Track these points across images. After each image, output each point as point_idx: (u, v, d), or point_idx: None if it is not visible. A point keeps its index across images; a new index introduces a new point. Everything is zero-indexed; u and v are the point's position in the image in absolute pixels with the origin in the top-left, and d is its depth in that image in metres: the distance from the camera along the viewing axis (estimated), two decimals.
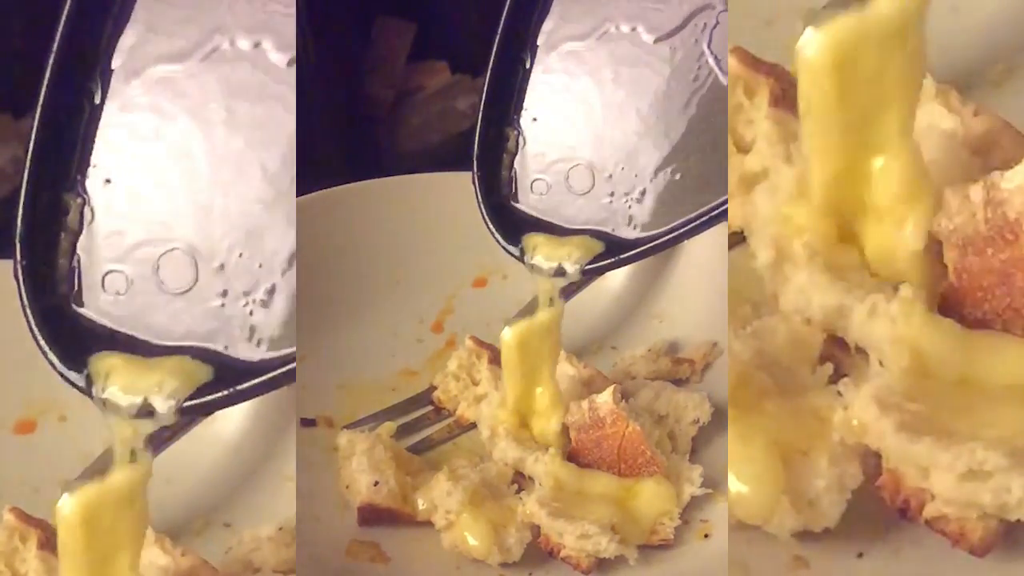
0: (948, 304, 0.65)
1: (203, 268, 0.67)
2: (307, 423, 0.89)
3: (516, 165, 0.86)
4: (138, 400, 0.64)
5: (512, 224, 0.86)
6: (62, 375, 0.64)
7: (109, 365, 0.64)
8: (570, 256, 0.84)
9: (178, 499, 0.82)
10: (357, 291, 0.98)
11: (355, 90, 1.22)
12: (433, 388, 0.92)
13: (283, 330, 0.69)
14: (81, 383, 0.64)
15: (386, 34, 1.23)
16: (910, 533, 0.64)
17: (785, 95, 0.70)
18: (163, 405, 0.64)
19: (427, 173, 1.01)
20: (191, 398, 0.64)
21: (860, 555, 0.65)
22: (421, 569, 0.80)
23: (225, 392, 0.65)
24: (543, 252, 0.84)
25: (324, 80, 1.15)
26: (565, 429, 0.84)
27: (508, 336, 0.84)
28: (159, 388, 0.64)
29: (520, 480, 0.84)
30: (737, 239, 0.72)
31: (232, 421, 0.85)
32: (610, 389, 0.83)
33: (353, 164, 1.19)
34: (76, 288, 0.66)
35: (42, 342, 0.64)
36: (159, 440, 0.76)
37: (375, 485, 0.81)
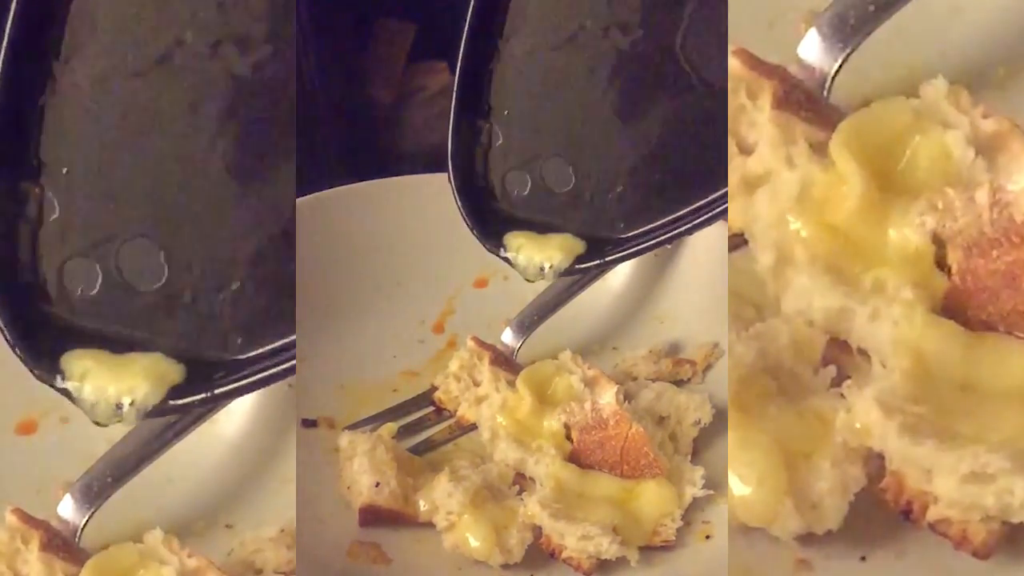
0: (951, 306, 0.65)
1: (170, 264, 0.67)
2: (308, 424, 0.89)
3: (490, 160, 0.85)
4: (111, 406, 0.64)
5: (492, 221, 0.85)
6: (33, 372, 0.64)
7: (83, 367, 0.64)
8: (552, 258, 0.84)
9: (179, 500, 0.82)
10: (358, 292, 0.97)
11: (355, 91, 1.22)
12: (434, 389, 0.92)
13: (255, 328, 0.69)
14: (54, 381, 0.64)
15: (386, 35, 1.23)
16: (913, 536, 0.64)
17: (788, 97, 0.70)
18: (132, 413, 0.64)
19: (428, 174, 1.00)
20: (165, 400, 0.65)
21: (863, 558, 0.65)
22: (423, 570, 0.80)
23: (203, 395, 0.66)
24: (526, 253, 0.84)
25: (324, 81, 1.15)
26: (567, 430, 0.84)
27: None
28: (131, 393, 0.64)
29: (521, 481, 0.84)
30: (738, 241, 0.72)
31: (233, 422, 0.85)
32: (614, 390, 0.83)
33: (354, 165, 1.19)
34: (40, 280, 0.65)
35: (9, 337, 0.64)
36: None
37: (376, 486, 0.81)
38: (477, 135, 0.84)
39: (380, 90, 1.22)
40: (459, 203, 0.84)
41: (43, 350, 0.65)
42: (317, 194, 0.97)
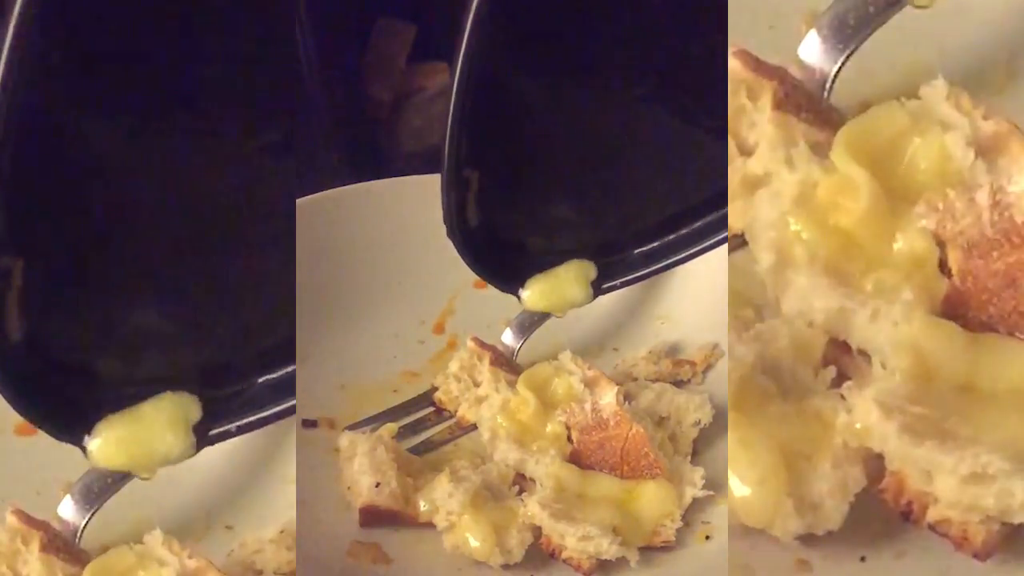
0: (951, 307, 0.65)
1: (175, 307, 0.67)
2: (308, 424, 0.89)
3: (484, 204, 0.82)
4: (153, 469, 0.66)
5: (505, 268, 0.84)
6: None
7: (111, 453, 0.65)
8: (575, 296, 0.84)
9: (180, 501, 0.82)
10: (358, 292, 0.97)
11: (355, 91, 1.22)
12: (434, 389, 0.92)
13: (267, 355, 0.70)
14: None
15: (386, 35, 1.23)
16: (913, 536, 0.64)
17: (788, 98, 0.70)
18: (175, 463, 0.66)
19: (428, 174, 1.00)
20: (201, 436, 0.67)
21: (863, 558, 0.65)
22: (423, 570, 0.80)
23: (228, 427, 0.68)
24: (547, 301, 0.84)
25: (324, 81, 1.15)
26: (567, 430, 0.84)
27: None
28: (166, 456, 0.66)
29: (521, 481, 0.84)
30: (739, 242, 0.72)
31: None
32: (614, 391, 0.83)
33: (353, 165, 1.19)
34: (39, 349, 0.63)
35: (28, 411, 0.64)
36: None
37: (377, 486, 0.81)
38: (466, 183, 0.81)
39: (380, 90, 1.22)
40: (467, 260, 0.82)
41: (67, 427, 0.66)
42: (317, 194, 0.97)
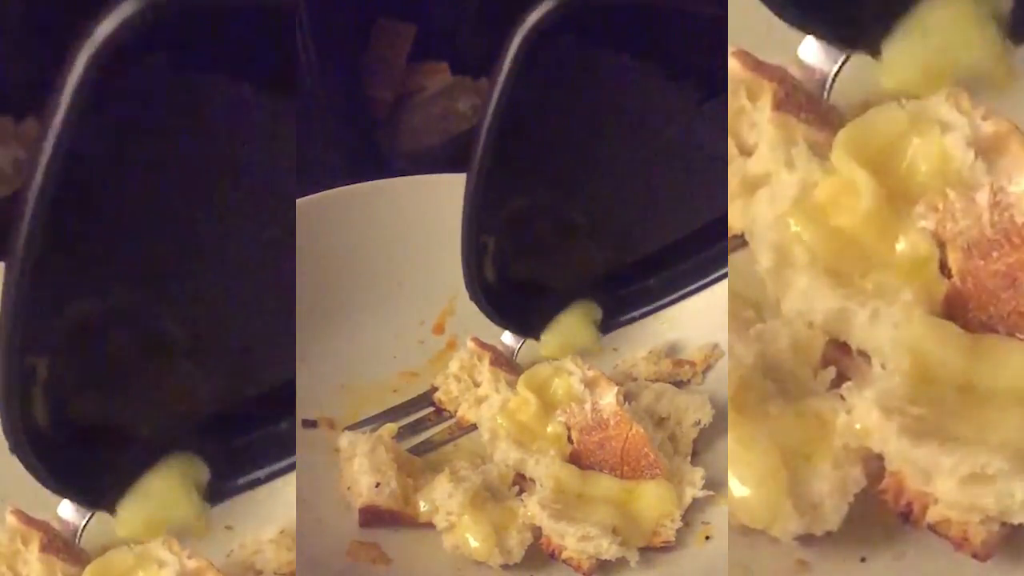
0: (951, 307, 0.65)
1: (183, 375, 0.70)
2: (308, 424, 0.89)
3: (499, 260, 0.87)
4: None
5: (525, 317, 0.91)
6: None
7: (141, 536, 0.72)
8: (583, 343, 0.90)
9: None
10: (358, 292, 0.97)
11: (355, 91, 1.22)
12: (434, 389, 0.92)
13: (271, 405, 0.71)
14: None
15: (386, 35, 1.23)
16: (913, 537, 0.64)
17: (788, 98, 0.70)
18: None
19: (428, 174, 1.00)
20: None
21: (863, 559, 0.65)
22: (422, 570, 0.80)
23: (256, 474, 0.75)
24: (559, 352, 0.90)
25: (324, 81, 1.15)
26: (567, 430, 0.84)
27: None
28: (184, 529, 0.72)
29: (521, 482, 0.84)
30: (739, 242, 0.72)
31: None
32: (614, 391, 0.83)
33: (353, 165, 1.19)
34: (58, 422, 0.67)
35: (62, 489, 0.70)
36: None
37: (376, 486, 0.81)
38: (484, 248, 0.85)
39: (380, 90, 1.22)
40: (489, 316, 0.89)
41: (98, 497, 0.71)
42: (317, 195, 0.97)
